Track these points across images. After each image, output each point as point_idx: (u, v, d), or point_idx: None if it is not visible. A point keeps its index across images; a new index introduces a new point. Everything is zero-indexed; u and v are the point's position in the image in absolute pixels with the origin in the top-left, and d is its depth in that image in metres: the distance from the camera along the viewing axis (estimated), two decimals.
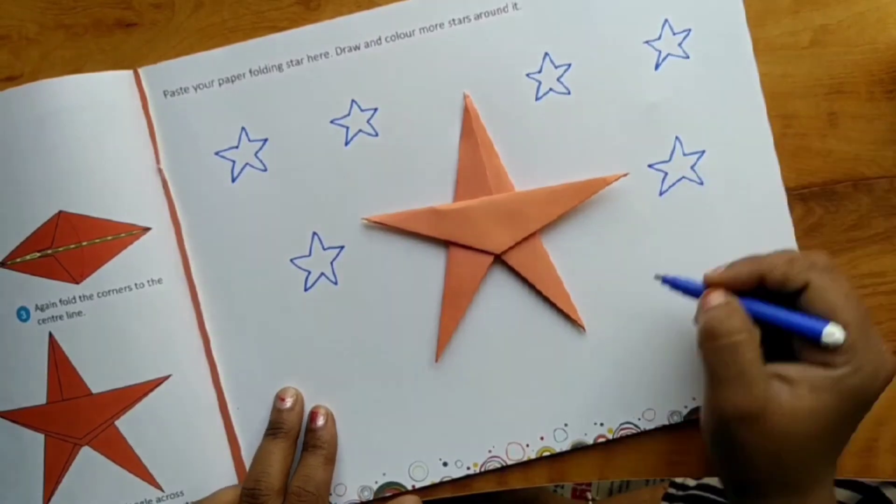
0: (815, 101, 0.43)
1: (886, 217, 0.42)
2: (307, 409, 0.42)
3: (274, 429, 0.41)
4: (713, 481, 0.58)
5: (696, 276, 0.41)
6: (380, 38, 0.43)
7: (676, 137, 0.43)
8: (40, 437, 0.41)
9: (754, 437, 0.34)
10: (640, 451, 0.43)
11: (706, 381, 0.36)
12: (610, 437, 0.42)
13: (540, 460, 0.43)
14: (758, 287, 0.36)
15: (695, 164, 0.42)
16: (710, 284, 0.37)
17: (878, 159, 0.42)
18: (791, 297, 0.36)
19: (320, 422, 0.42)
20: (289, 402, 0.42)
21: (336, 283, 0.43)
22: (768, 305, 0.36)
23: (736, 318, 0.35)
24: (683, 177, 0.43)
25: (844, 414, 0.34)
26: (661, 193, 0.43)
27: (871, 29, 0.42)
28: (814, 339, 0.34)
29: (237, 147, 0.43)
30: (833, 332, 0.34)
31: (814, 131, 0.42)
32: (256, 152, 0.43)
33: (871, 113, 0.42)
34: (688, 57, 0.42)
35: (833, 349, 0.34)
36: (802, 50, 0.43)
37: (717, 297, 0.36)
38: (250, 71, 0.43)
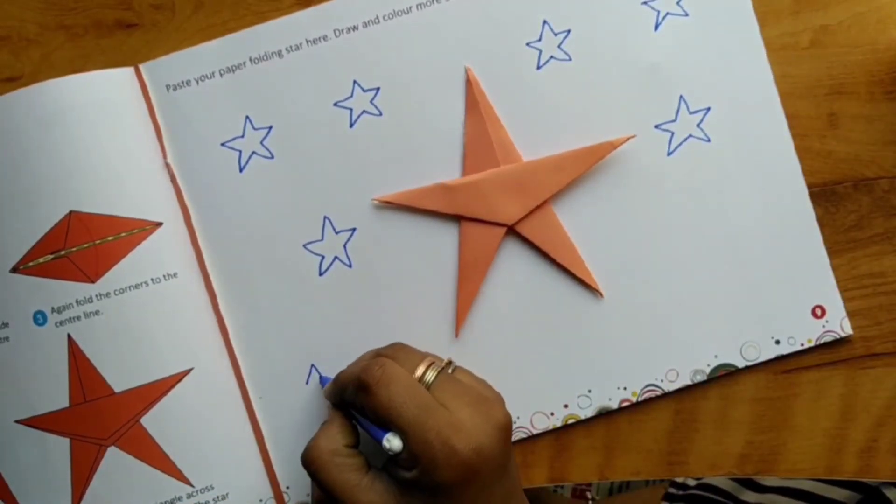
0: (815, 102, 0.43)
1: (886, 217, 0.42)
2: None
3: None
4: (713, 481, 0.58)
5: (711, 236, 0.41)
6: (377, 17, 0.43)
7: (681, 96, 0.43)
8: (65, 441, 0.41)
9: None
10: (640, 451, 0.43)
11: None
12: (634, 400, 0.42)
13: (541, 458, 0.43)
14: None
15: (701, 121, 0.42)
16: (326, 398, 0.41)
17: (878, 159, 0.42)
18: None
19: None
20: None
21: (350, 266, 0.43)
22: (356, 416, 0.38)
23: (316, 442, 0.37)
24: (690, 135, 0.43)
25: None
26: (669, 153, 0.43)
27: (872, 29, 0.42)
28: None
29: (242, 136, 0.43)
30: (389, 441, 0.35)
31: (814, 132, 0.43)
32: (262, 140, 0.43)
33: (872, 113, 0.42)
34: (687, 14, 0.42)
35: (399, 455, 0.35)
36: (802, 50, 0.43)
37: (329, 414, 0.40)
38: (250, 59, 0.43)
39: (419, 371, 0.37)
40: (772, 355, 0.42)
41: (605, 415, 0.43)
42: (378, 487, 0.36)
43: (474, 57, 0.43)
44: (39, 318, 0.41)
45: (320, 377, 0.42)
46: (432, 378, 0.37)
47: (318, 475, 0.36)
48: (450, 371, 0.38)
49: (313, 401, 0.43)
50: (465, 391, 0.36)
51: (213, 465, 0.42)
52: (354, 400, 0.37)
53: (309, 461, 0.37)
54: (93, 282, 0.41)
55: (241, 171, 0.43)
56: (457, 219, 0.43)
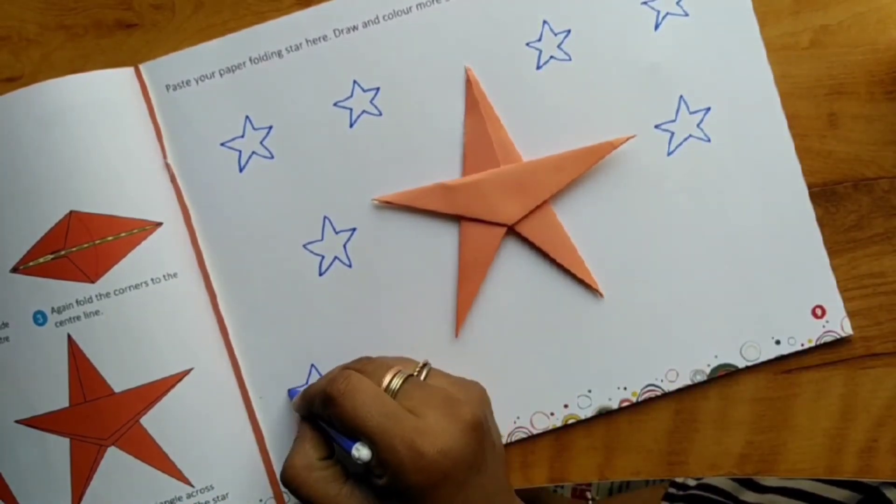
0: (815, 102, 0.43)
1: (886, 217, 0.42)
2: None
3: None
4: (713, 481, 0.58)
5: (711, 236, 0.42)
6: (377, 17, 0.43)
7: (681, 96, 0.43)
8: (65, 441, 0.41)
9: None
10: (640, 451, 0.43)
11: None
12: (634, 400, 0.42)
13: (541, 458, 0.43)
14: None
15: (701, 121, 0.42)
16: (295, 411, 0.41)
17: (878, 159, 0.42)
18: None
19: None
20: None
21: (350, 266, 0.43)
22: (327, 427, 0.39)
23: (290, 460, 0.38)
24: (690, 135, 0.43)
25: None
26: (669, 153, 0.43)
27: (872, 29, 0.42)
28: None
29: (242, 136, 0.43)
30: (358, 451, 0.35)
31: (814, 132, 0.43)
32: (262, 140, 0.43)
33: (872, 113, 0.42)
34: (687, 14, 0.42)
35: (369, 463, 0.36)
36: (803, 51, 0.43)
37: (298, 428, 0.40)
38: (250, 59, 0.43)
39: (385, 380, 0.37)
40: (772, 355, 0.42)
41: (605, 415, 0.43)
42: (357, 495, 0.37)
43: (474, 57, 0.43)
44: (39, 318, 0.41)
45: (289, 392, 0.43)
46: (398, 385, 0.37)
47: (299, 492, 0.37)
48: (423, 375, 0.39)
49: None
50: (432, 395, 0.37)
51: (213, 465, 0.42)
52: (322, 412, 0.38)
53: (287, 480, 0.38)
54: (93, 282, 0.41)
55: (241, 171, 0.43)
56: (457, 219, 0.43)
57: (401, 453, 0.35)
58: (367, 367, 0.39)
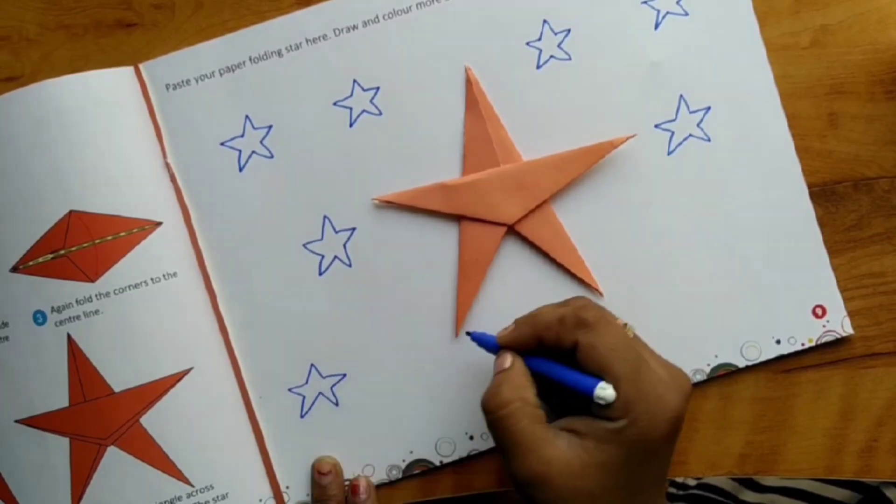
0: (815, 102, 0.43)
1: (886, 217, 0.42)
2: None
3: None
4: (714, 481, 0.58)
5: (711, 236, 0.42)
6: (377, 17, 0.43)
7: (681, 96, 0.42)
8: (65, 440, 0.41)
9: (547, 499, 0.34)
10: None
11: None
12: None
13: None
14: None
15: (701, 121, 0.42)
16: (502, 345, 0.38)
17: (878, 159, 0.42)
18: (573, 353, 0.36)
19: (363, 496, 0.42)
20: (328, 478, 0.42)
21: (350, 266, 0.43)
22: (549, 363, 0.36)
23: (505, 388, 0.35)
24: (690, 135, 0.43)
25: (634, 464, 0.34)
26: (669, 153, 0.43)
27: (872, 29, 0.42)
28: (589, 397, 0.34)
29: (242, 136, 0.43)
30: (603, 390, 0.34)
31: (814, 132, 0.43)
32: (262, 140, 0.43)
33: (872, 113, 0.42)
34: (687, 14, 0.42)
35: (608, 405, 0.34)
36: (803, 50, 0.43)
37: (502, 362, 0.37)
38: (250, 59, 0.43)
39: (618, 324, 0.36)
40: (772, 355, 0.42)
41: None
42: (561, 444, 0.34)
43: (474, 56, 0.43)
44: (39, 318, 0.41)
45: (471, 334, 0.39)
46: (632, 335, 0.36)
47: (504, 422, 0.35)
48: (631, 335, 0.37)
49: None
50: (656, 355, 0.36)
51: (212, 465, 0.42)
52: (563, 338, 0.35)
53: (497, 406, 0.35)
54: (92, 281, 0.41)
55: (240, 170, 0.43)
56: (457, 218, 0.43)
57: (650, 399, 0.33)
58: (594, 305, 0.36)
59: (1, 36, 0.44)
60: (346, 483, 0.42)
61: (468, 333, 0.39)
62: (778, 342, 0.42)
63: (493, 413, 0.35)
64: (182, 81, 0.43)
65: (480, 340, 0.39)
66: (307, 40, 0.43)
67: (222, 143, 0.43)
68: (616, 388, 0.34)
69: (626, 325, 0.37)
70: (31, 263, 0.41)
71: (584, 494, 0.34)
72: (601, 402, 0.34)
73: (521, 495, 0.35)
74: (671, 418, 0.34)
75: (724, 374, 0.43)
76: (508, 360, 0.37)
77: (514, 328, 0.38)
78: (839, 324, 0.42)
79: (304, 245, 0.43)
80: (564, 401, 0.36)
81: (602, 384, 0.34)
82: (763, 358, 0.42)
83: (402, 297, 0.43)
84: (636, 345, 0.35)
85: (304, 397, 0.43)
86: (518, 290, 0.43)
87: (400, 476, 0.43)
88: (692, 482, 0.61)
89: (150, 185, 0.42)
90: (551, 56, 0.43)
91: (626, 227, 0.43)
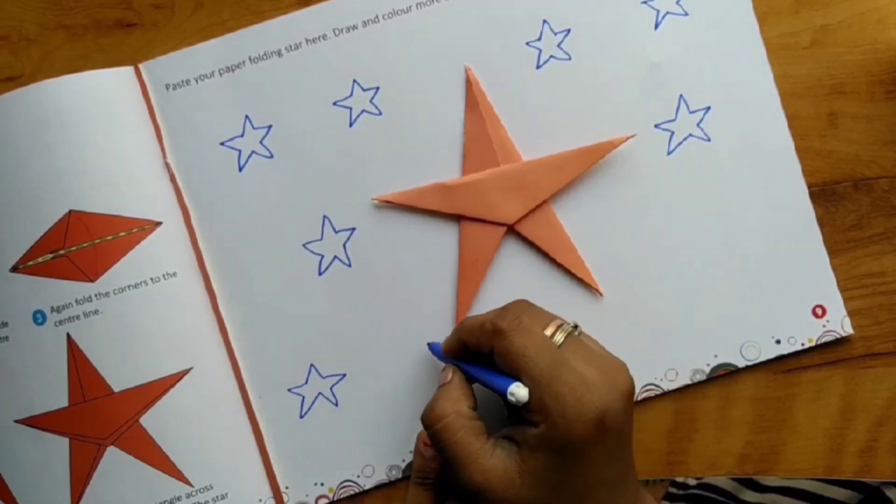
0: (815, 102, 0.43)
1: (886, 217, 0.42)
2: None
3: (422, 477, 0.41)
4: (714, 481, 0.58)
5: (711, 236, 0.42)
6: (377, 17, 0.43)
7: (681, 95, 0.43)
8: (64, 440, 0.41)
9: None
10: (640, 450, 0.43)
11: None
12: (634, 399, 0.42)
13: None
14: None
15: (700, 121, 0.42)
16: (444, 353, 0.39)
17: (878, 159, 0.42)
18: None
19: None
20: (433, 450, 0.41)
21: (350, 266, 0.43)
22: (478, 369, 0.37)
23: (441, 402, 0.37)
24: (690, 134, 0.43)
25: (565, 469, 0.34)
26: (669, 153, 0.43)
27: (872, 29, 0.43)
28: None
29: (242, 136, 0.43)
30: (517, 388, 0.34)
31: (814, 132, 0.43)
32: (262, 140, 0.43)
33: (871, 113, 0.42)
34: (687, 14, 0.42)
35: (525, 407, 0.34)
36: (803, 50, 0.43)
37: (444, 375, 0.38)
38: (250, 58, 0.43)
39: (548, 331, 0.36)
40: (772, 355, 0.42)
41: None
42: (499, 453, 0.35)
43: (474, 56, 0.43)
44: (39, 318, 0.41)
45: (430, 345, 0.41)
46: (562, 339, 0.36)
47: (442, 435, 0.36)
48: (576, 334, 0.37)
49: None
50: (592, 355, 0.36)
51: (212, 465, 0.42)
52: (482, 345, 0.36)
53: (433, 420, 0.36)
54: (92, 281, 0.41)
55: (240, 170, 0.43)
56: (457, 218, 0.43)
57: (567, 402, 0.33)
58: (528, 310, 0.37)
59: (1, 36, 0.44)
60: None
61: (428, 345, 0.41)
62: (778, 342, 0.42)
63: (431, 427, 0.36)
64: (182, 81, 0.43)
65: (434, 350, 0.41)
66: (307, 40, 0.43)
67: (222, 143, 0.43)
68: (530, 392, 0.34)
69: (575, 325, 0.37)
70: (30, 263, 0.41)
71: (526, 503, 0.34)
72: (512, 398, 0.34)
73: None
74: (591, 420, 0.33)
75: (724, 374, 0.43)
76: (450, 374, 0.38)
77: (449, 336, 0.39)
78: (839, 324, 0.42)
79: (303, 245, 0.43)
80: (512, 410, 0.37)
81: (517, 384, 0.34)
82: (763, 358, 0.42)
83: (402, 297, 0.43)
84: (560, 349, 0.35)
85: (303, 397, 0.43)
86: (518, 291, 0.43)
87: (400, 476, 0.43)
88: (692, 482, 0.61)
89: (150, 185, 0.42)
90: (551, 56, 0.43)
91: (626, 227, 0.43)
